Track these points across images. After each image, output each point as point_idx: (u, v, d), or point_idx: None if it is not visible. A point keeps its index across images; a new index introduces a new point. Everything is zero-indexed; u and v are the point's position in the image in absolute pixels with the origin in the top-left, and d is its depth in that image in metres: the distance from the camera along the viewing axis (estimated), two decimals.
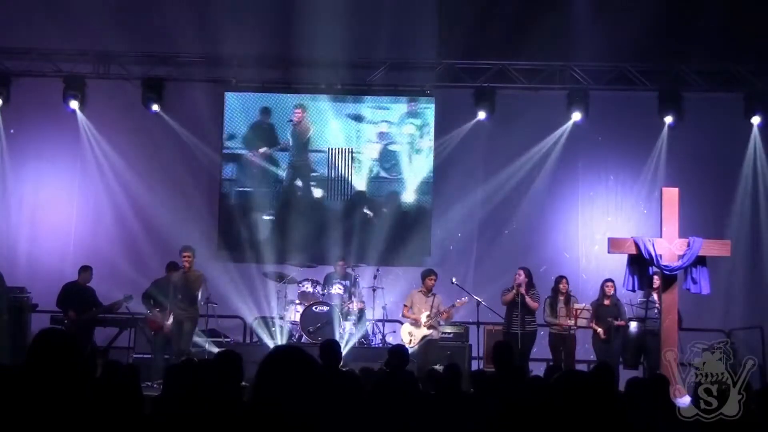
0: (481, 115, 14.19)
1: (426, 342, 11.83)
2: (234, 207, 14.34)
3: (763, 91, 13.76)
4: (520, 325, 11.67)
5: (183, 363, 6.72)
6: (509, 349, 8.26)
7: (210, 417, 4.29)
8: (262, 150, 14.38)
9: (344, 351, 11.37)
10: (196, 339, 12.09)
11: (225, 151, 14.44)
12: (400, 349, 8.30)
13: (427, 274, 12.24)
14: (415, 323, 11.97)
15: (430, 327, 11.95)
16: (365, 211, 14.34)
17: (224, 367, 5.17)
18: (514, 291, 11.69)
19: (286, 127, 14.43)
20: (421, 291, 12.12)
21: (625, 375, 11.53)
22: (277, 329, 12.45)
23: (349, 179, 14.40)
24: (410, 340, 11.83)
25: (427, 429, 4.84)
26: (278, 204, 14.41)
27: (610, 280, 11.83)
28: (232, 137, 14.45)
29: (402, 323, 12.33)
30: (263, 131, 14.47)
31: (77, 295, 12.22)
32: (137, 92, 14.11)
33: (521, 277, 11.86)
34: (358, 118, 14.52)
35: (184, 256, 11.70)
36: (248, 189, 14.38)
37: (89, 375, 5.44)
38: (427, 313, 11.91)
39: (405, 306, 12.23)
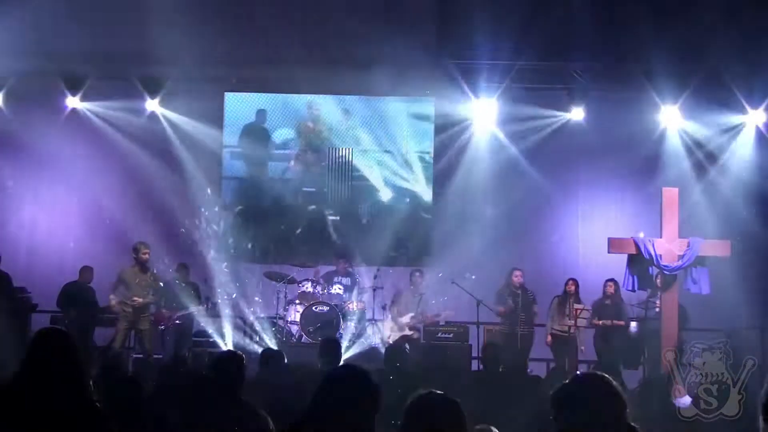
0: (481, 114, 14.18)
1: (401, 339, 11.85)
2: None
3: (761, 89, 13.72)
4: (523, 325, 11.73)
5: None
6: (499, 349, 8.30)
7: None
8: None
9: (344, 351, 11.44)
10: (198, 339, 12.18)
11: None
12: (398, 347, 8.30)
13: (414, 274, 12.39)
14: (398, 323, 12.11)
15: (411, 328, 12.10)
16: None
17: (226, 367, 5.17)
18: (510, 304, 11.70)
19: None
20: (409, 290, 12.28)
21: (625, 375, 11.58)
22: (277, 329, 12.47)
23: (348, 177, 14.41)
24: (389, 336, 12.07)
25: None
26: (282, 203, 14.43)
27: (612, 280, 11.81)
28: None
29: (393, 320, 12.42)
30: None
31: (78, 294, 12.22)
32: (137, 92, 14.09)
33: (521, 278, 11.91)
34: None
35: (145, 252, 11.45)
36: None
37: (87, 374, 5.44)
38: (412, 314, 12.08)
39: (392, 303, 12.44)
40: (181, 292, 12.21)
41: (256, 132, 14.53)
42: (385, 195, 14.46)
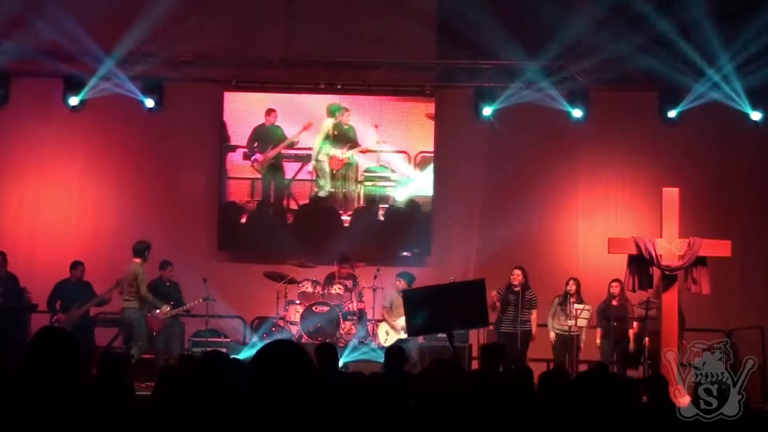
0: (481, 114, 14.19)
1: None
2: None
3: (762, 87, 13.70)
4: (515, 323, 11.72)
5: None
6: (502, 349, 8.27)
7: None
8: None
9: (344, 352, 11.44)
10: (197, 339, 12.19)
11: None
12: (397, 349, 8.23)
13: (397, 277, 12.43)
14: (393, 325, 12.19)
15: None
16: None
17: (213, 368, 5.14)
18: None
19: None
20: (398, 292, 12.30)
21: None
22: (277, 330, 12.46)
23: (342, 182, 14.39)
24: (386, 340, 12.12)
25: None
26: (280, 203, 14.40)
27: (617, 280, 11.80)
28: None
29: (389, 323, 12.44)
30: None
31: (68, 291, 12.18)
32: (136, 92, 14.09)
33: (520, 277, 11.90)
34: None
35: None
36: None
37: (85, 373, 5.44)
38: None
39: (384, 307, 12.49)
40: (166, 290, 12.19)
41: (268, 132, 14.35)
42: (386, 195, 14.41)
